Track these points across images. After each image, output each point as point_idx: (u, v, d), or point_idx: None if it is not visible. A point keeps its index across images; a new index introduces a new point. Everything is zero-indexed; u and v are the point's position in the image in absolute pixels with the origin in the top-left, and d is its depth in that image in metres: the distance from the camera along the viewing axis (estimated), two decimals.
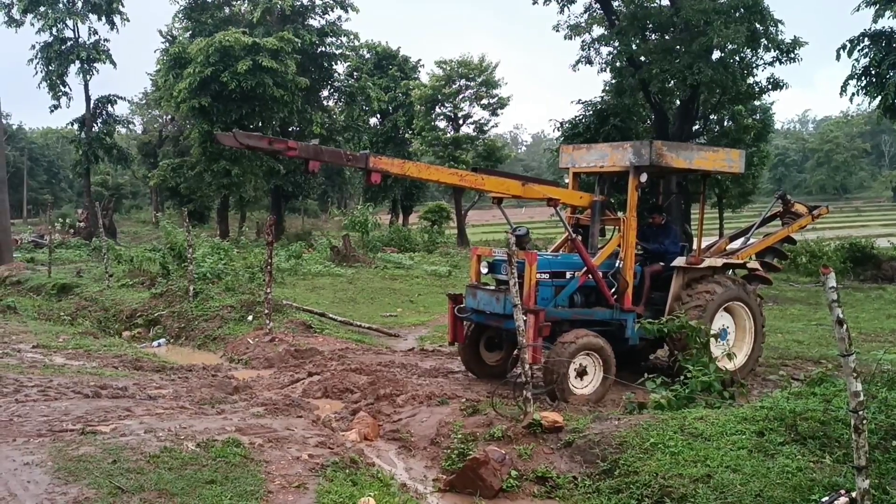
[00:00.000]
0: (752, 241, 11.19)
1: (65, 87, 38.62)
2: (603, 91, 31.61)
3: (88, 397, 8.03)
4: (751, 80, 27.05)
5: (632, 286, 9.62)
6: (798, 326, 14.76)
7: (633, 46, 27.31)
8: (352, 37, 41.28)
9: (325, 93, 43.02)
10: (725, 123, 32.22)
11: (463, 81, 42.66)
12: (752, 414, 6.44)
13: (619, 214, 10.13)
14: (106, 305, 16.20)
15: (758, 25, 24.80)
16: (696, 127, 31.05)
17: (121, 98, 42.11)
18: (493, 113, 43.91)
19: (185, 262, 15.93)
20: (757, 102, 31.13)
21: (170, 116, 46.82)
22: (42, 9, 36.63)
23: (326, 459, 6.27)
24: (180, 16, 39.19)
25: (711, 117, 31.87)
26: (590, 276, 9.37)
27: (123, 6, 38.54)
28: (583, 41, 29.61)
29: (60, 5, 37.13)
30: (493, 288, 9.66)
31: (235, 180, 35.33)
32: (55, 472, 5.50)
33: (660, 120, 29.27)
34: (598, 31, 29.49)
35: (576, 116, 31.26)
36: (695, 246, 10.59)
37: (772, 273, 11.53)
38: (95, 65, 38.49)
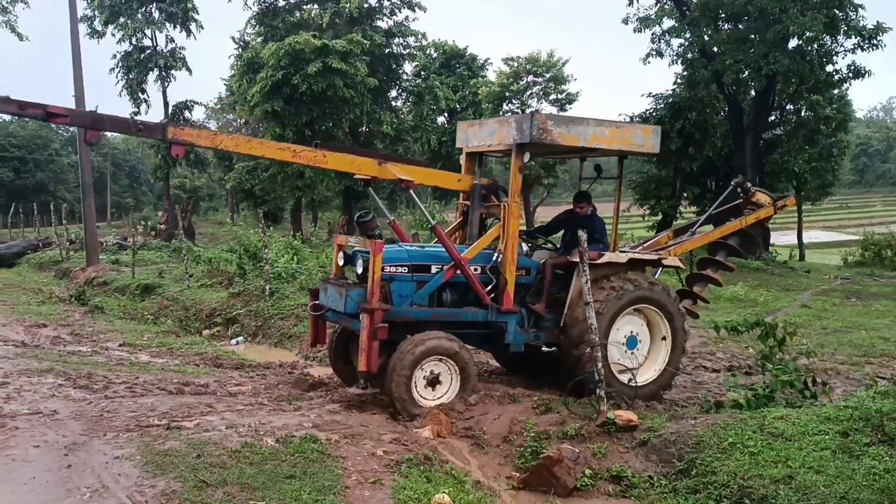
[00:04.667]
0: (696, 235, 9.83)
1: (144, 94, 39.85)
2: (674, 84, 31.08)
3: (172, 394, 8.32)
4: (830, 68, 26.19)
5: (513, 283, 8.34)
6: (883, 323, 14.23)
7: (706, 37, 26.77)
8: (419, 36, 41.51)
9: (394, 93, 43.37)
10: (803, 114, 31.26)
11: (531, 78, 42.45)
12: (835, 414, 6.24)
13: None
14: (186, 305, 16.71)
15: (836, 11, 23.99)
16: (773, 118, 30.20)
17: (197, 103, 43.15)
18: (562, 108, 43.55)
19: (260, 262, 16.30)
20: (836, 91, 30.11)
21: (244, 120, 47.88)
22: (122, 20, 37.91)
23: (401, 456, 6.35)
24: (253, 21, 40.07)
25: (788, 108, 30.96)
26: (458, 271, 8.19)
27: (199, 14, 39.65)
28: (653, 34, 29.20)
29: (139, 16, 38.33)
30: (340, 282, 8.54)
31: (308, 182, 35.92)
32: (143, 465, 5.72)
33: (734, 112, 28.60)
34: (668, 23, 29.02)
35: (646, 110, 30.81)
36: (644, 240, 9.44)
37: (724, 274, 10.07)
38: (172, 72, 39.63)
